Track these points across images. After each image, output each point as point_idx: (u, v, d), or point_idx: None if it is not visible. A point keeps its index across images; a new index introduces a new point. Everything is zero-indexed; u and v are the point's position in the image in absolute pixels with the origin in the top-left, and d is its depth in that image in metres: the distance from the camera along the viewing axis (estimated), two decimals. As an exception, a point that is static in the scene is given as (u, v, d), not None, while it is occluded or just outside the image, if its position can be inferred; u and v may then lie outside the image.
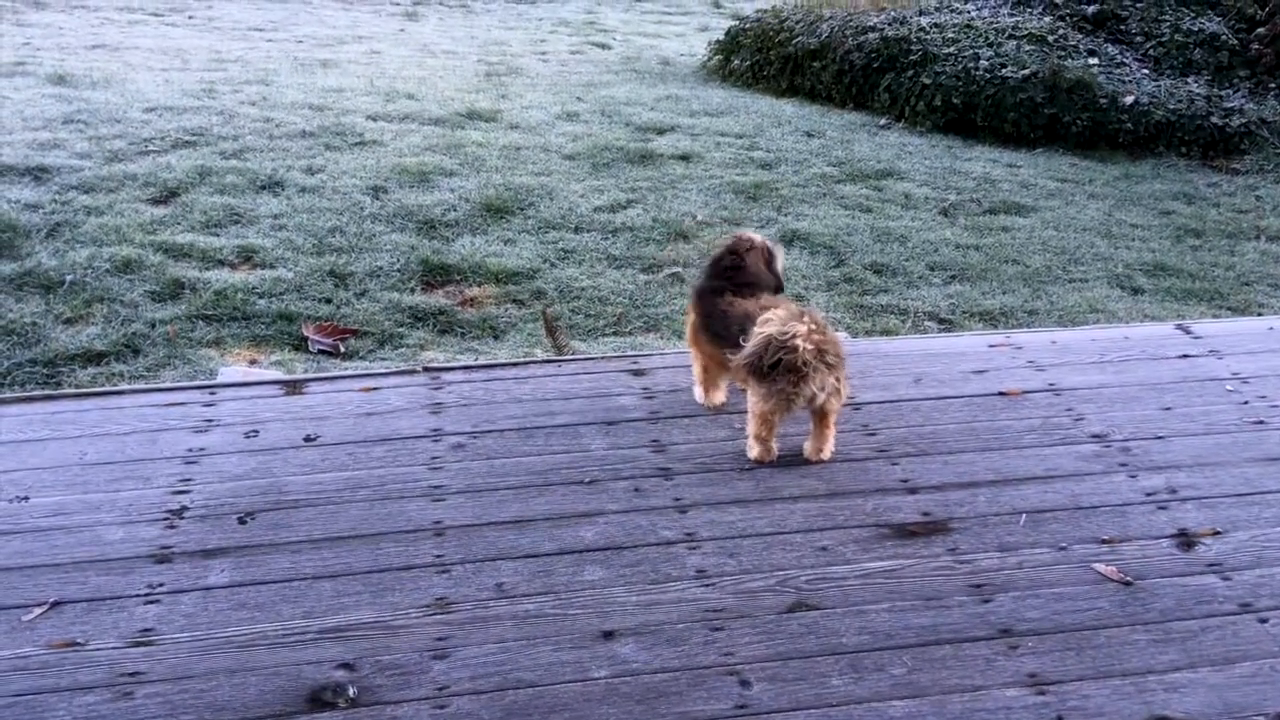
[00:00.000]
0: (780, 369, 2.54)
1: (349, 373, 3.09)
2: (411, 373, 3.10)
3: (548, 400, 2.93)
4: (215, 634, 2.08)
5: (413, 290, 4.94)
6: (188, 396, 2.90)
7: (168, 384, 3.02)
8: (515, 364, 3.16)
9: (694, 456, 2.71)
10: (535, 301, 4.90)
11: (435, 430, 2.78)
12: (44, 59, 8.82)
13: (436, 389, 2.99)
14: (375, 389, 2.97)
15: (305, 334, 4.42)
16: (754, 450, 2.69)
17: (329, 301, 4.72)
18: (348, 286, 4.88)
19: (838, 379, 2.62)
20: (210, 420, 2.79)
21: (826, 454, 2.71)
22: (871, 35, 8.73)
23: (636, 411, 2.90)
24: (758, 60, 9.70)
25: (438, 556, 2.32)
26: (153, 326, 4.35)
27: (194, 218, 5.40)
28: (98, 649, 2.04)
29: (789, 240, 5.74)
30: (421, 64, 9.97)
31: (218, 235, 5.26)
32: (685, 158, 7.06)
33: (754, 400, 2.65)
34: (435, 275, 5.09)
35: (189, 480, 2.55)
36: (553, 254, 5.41)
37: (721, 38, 10.48)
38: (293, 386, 2.98)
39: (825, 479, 2.61)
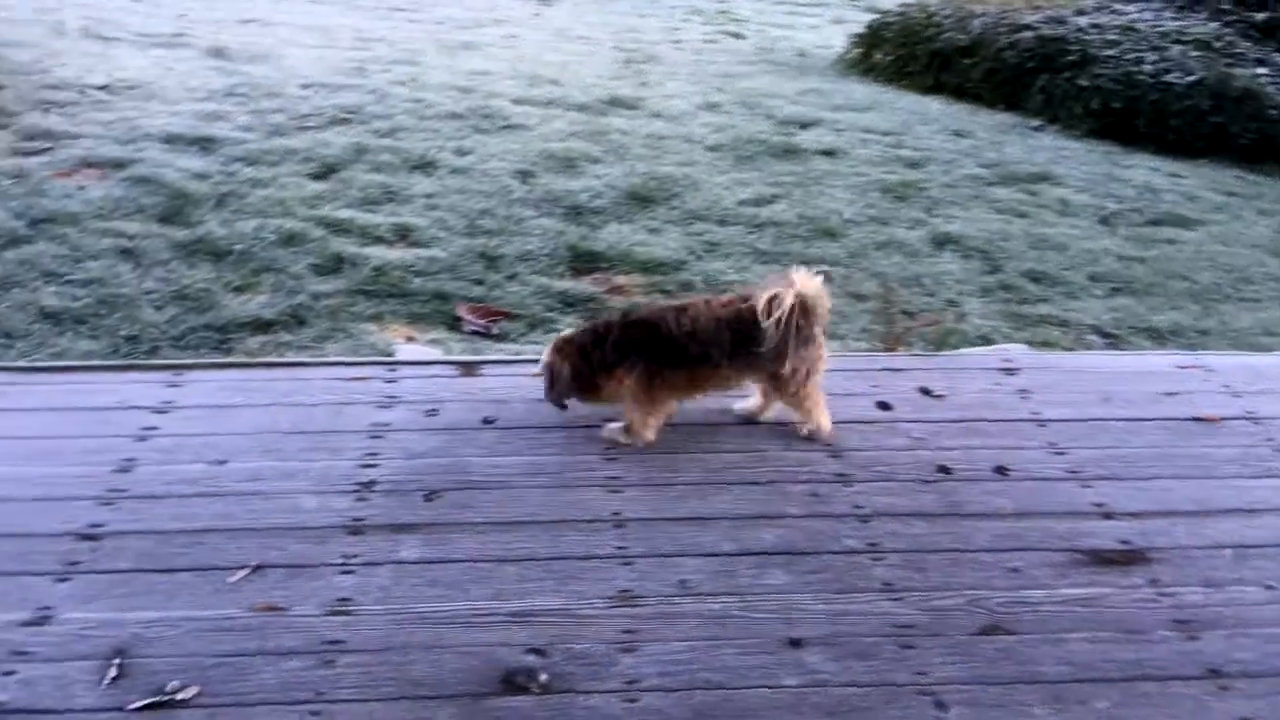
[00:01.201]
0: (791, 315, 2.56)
1: (521, 357, 3.14)
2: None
3: (720, 398, 2.92)
4: (409, 609, 2.13)
5: (561, 275, 4.98)
6: (370, 372, 2.98)
7: (351, 358, 3.11)
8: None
9: (872, 464, 2.66)
10: (682, 293, 4.89)
11: (610, 419, 2.79)
12: (200, 32, 9.18)
13: (610, 378, 3.00)
14: (549, 375, 3.00)
15: (459, 314, 4.50)
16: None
17: (480, 283, 4.80)
18: (498, 269, 4.96)
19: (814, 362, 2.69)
20: (392, 397, 2.86)
21: (825, 426, 2.77)
22: (1026, 34, 8.44)
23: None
24: (902, 55, 9.48)
25: (619, 548, 2.33)
26: (316, 299, 4.49)
27: (352, 194, 5.56)
28: (299, 615, 2.11)
29: (940, 243, 5.61)
30: (559, 49, 10.06)
31: (374, 212, 5.40)
32: (830, 153, 6.95)
33: (786, 370, 2.62)
34: (583, 261, 5.13)
35: (375, 455, 2.62)
36: (698, 246, 5.39)
37: (862, 31, 10.28)
38: (468, 368, 3.03)
39: (1013, 497, 2.53)
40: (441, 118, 6.97)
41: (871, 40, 10.06)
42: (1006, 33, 8.56)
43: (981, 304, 5.00)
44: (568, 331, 2.86)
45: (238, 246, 4.81)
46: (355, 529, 2.36)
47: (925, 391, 2.98)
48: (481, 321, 4.50)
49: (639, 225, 5.57)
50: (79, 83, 7.01)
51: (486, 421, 2.78)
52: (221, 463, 2.56)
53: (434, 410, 2.81)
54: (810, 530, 2.41)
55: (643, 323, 2.71)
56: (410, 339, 4.36)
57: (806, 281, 2.62)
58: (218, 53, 8.31)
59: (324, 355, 4.03)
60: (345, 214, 5.27)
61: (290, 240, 4.94)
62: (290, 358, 3.59)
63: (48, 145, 5.78)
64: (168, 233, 4.91)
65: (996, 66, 8.49)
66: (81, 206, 5.03)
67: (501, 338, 4.43)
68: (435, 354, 3.43)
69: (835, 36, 11.02)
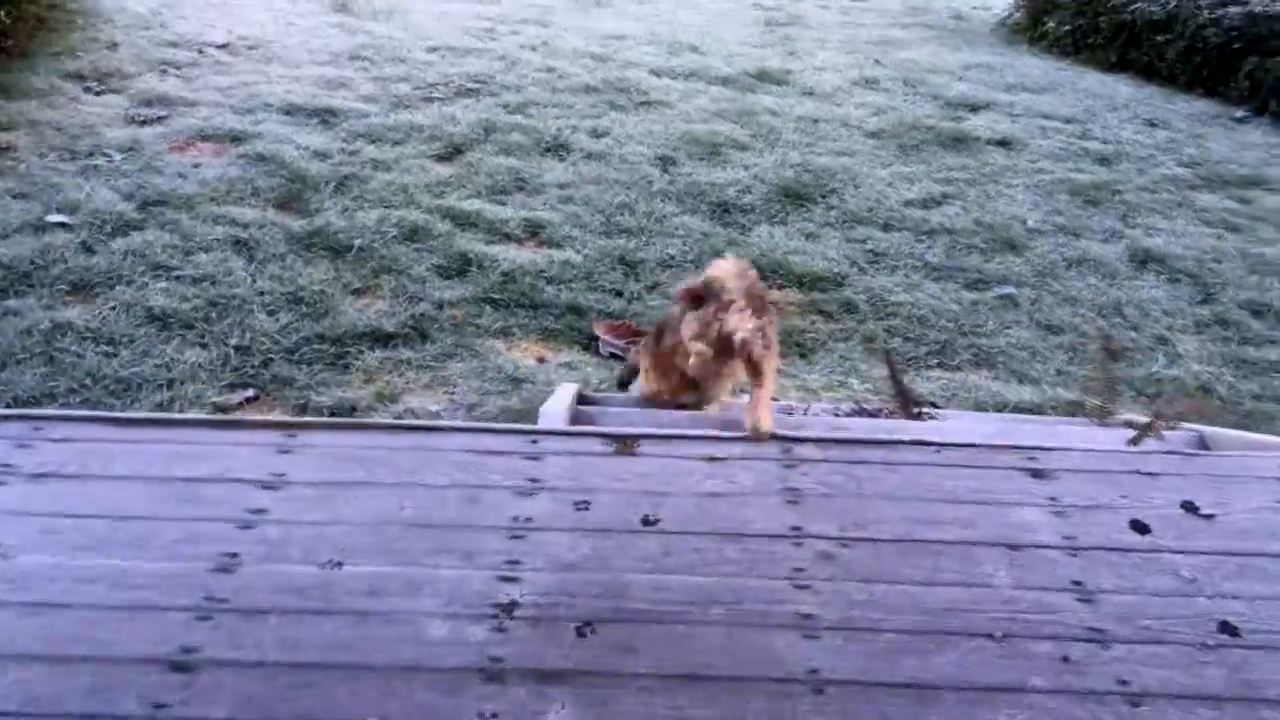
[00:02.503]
0: (709, 296, 2.61)
1: (685, 432, 2.69)
2: (758, 440, 2.64)
3: (928, 502, 2.41)
4: (560, 803, 1.71)
5: (707, 287, 4.50)
6: (509, 444, 2.56)
7: (486, 425, 2.71)
8: (880, 443, 2.64)
9: (1135, 615, 2.12)
10: (844, 315, 4.37)
11: (795, 529, 2.32)
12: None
13: (789, 466, 2.52)
14: (719, 459, 2.54)
15: (596, 333, 4.08)
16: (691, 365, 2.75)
17: (619, 294, 4.36)
18: (638, 276, 4.51)
19: (765, 330, 2.62)
20: (535, 481, 2.44)
21: (765, 424, 2.54)
22: (1233, 9, 7.52)
23: (1045, 533, 2.33)
24: (1080, 26, 8.63)
25: (818, 726, 1.86)
26: (440, 307, 4.11)
27: (479, 180, 5.16)
28: (425, 799, 1.72)
29: (1140, 261, 4.93)
30: (695, 4, 9.48)
31: (503, 203, 5.00)
32: (1004, 143, 6.26)
33: (684, 330, 2.70)
34: (731, 271, 4.62)
35: (517, 563, 2.20)
36: (860, 256, 4.84)
37: (1031, -7, 9.43)
38: (624, 444, 2.58)
39: (1330, 683, 1.97)
40: (575, 91, 6.51)
41: (1041, 5, 9.19)
42: (1209, 7, 7.64)
43: (1197, 343, 4.34)
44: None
45: (357, 241, 4.46)
46: (493, 674, 1.94)
47: (1189, 508, 2.40)
48: (621, 343, 4.06)
49: (793, 228, 5.04)
50: (198, 40, 6.77)
51: (647, 522, 2.33)
52: (336, 565, 2.17)
53: (584, 502, 2.38)
54: (1063, 716, 1.90)
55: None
56: (541, 359, 3.96)
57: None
58: (341, 6, 7.99)
59: (450, 387, 3.65)
60: (472, 205, 4.88)
61: (413, 235, 4.57)
62: (416, 420, 3.22)
63: (163, 113, 5.53)
64: (284, 222, 4.59)
65: (1195, 45, 7.60)
66: (195, 188, 4.75)
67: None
68: (580, 416, 2.99)
69: (995, -3, 10.17)
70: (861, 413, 3.48)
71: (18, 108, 5.31)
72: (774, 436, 2.67)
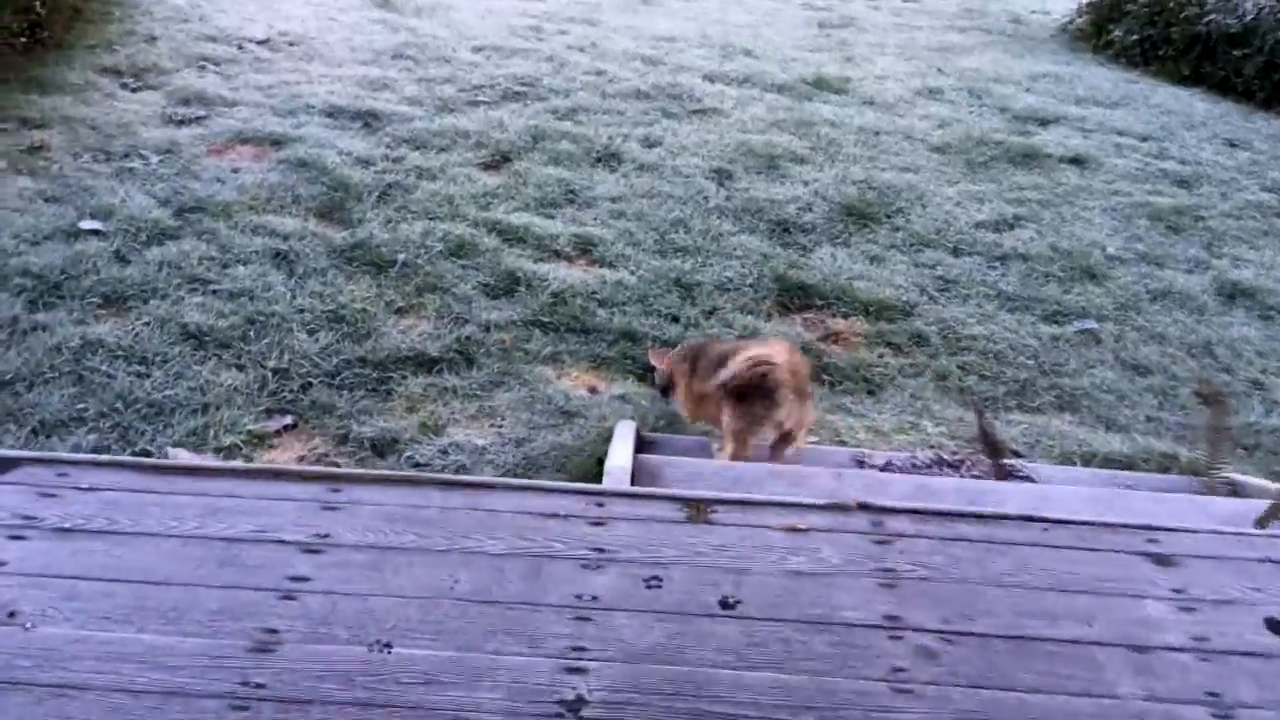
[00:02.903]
0: (756, 393, 2.93)
1: (763, 498, 2.47)
2: (844, 509, 2.43)
3: (1039, 591, 2.18)
4: None
5: (768, 314, 4.29)
6: (570, 505, 2.36)
7: (548, 484, 2.51)
8: (981, 517, 2.42)
9: (1279, 737, 1.90)
10: (915, 349, 4.13)
11: (891, 619, 2.10)
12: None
13: (880, 542, 2.30)
14: (800, 530, 2.32)
15: (652, 362, 3.86)
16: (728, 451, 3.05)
17: (675, 319, 4.15)
18: (694, 300, 4.29)
19: (804, 409, 3.01)
20: (601, 551, 2.23)
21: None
22: (1319, 21, 7.19)
23: (1172, 632, 2.11)
24: (1149, 35, 8.31)
25: None
26: (487, 330, 3.92)
27: (528, 192, 4.96)
28: None
29: (1229, 295, 4.66)
30: (744, 4, 9.24)
31: (553, 217, 4.80)
32: (1078, 161, 5.99)
33: (727, 420, 3.02)
34: (792, 296, 4.41)
35: (582, 650, 1.99)
36: (930, 283, 4.60)
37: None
38: (697, 510, 2.37)
39: None
40: (626, 96, 6.29)
41: (1107, 12, 8.88)
42: (1292, 19, 7.33)
43: (1296, 391, 4.07)
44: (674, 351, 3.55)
45: (401, 255, 4.28)
46: (560, 789, 1.74)
47: (1331, 605, 2.17)
48: (678, 375, 3.85)
49: (857, 250, 4.81)
50: (238, 34, 6.61)
51: (726, 605, 2.12)
52: (385, 647, 1.98)
53: (655, 579, 2.17)
54: None
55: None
56: (593, 390, 3.75)
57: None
58: (383, 3, 7.82)
59: (498, 419, 3.46)
60: (520, 219, 4.68)
61: (459, 251, 4.38)
62: (471, 476, 3.02)
63: (201, 113, 5.37)
64: (326, 233, 4.41)
65: (1275, 61, 7.27)
66: (234, 194, 4.58)
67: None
68: (644, 467, 2.79)
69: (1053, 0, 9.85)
70: (943, 463, 3.25)
71: (52, 103, 5.16)
72: (861, 506, 2.45)
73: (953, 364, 4.01)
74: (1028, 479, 3.08)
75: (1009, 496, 2.97)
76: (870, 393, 3.85)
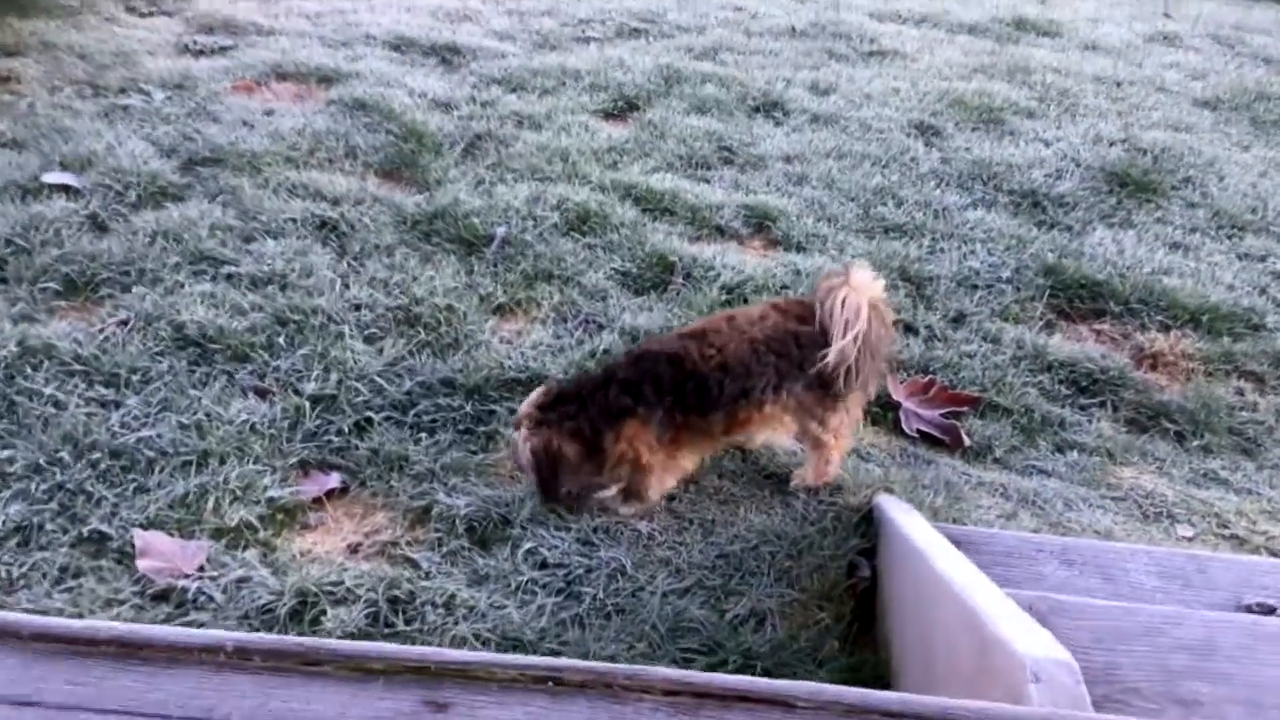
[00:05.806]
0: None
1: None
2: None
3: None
4: None
5: (1042, 322, 3.00)
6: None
7: (744, 689, 1.27)
8: None
9: None
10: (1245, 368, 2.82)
11: None
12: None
13: None
14: None
15: (895, 397, 2.60)
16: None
17: (909, 329, 2.89)
18: (929, 301, 3.02)
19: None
20: None
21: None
22: None
23: None
24: None
25: None
26: (633, 340, 2.68)
27: (667, 148, 3.72)
28: None
29: None
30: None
31: (708, 180, 3.56)
32: (1397, 123, 4.62)
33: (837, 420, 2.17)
34: (1073, 296, 3.12)
35: None
36: (1270, 281, 3.28)
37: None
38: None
39: None
40: (776, 34, 5.04)
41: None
42: None
43: None
44: (536, 395, 2.17)
45: (500, 229, 3.06)
46: None
47: None
48: (936, 416, 2.58)
49: (1146, 231, 3.50)
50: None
51: None
52: None
53: None
54: None
55: (656, 356, 2.16)
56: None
57: (869, 282, 2.17)
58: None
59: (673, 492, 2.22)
60: (663, 182, 3.44)
61: (582, 224, 3.15)
62: (606, 665, 1.77)
63: (227, 42, 4.22)
64: (393, 197, 3.22)
65: None
66: (265, 142, 3.41)
67: (981, 454, 2.51)
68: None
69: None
70: None
71: (30, 27, 4.05)
72: None
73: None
74: None
75: None
76: (1244, 450, 2.55)
